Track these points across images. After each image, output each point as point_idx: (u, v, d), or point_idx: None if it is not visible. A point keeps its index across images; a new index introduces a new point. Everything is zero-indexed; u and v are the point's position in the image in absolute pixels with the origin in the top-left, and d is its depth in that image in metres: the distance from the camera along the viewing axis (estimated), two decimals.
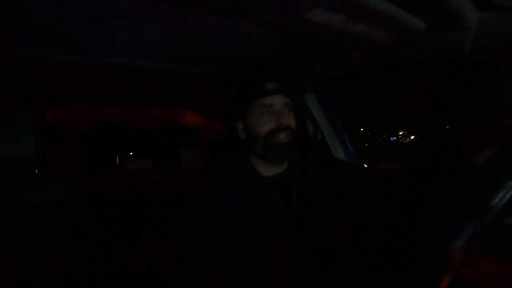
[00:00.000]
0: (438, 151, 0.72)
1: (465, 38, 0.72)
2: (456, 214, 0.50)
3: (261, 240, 0.77)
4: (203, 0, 0.70)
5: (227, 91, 1.02)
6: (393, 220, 0.86)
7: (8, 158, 0.88)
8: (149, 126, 2.61)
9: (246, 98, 0.85)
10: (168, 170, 2.47)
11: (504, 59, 0.75)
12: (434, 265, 0.50)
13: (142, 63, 1.20)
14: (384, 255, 0.86)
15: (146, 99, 2.02)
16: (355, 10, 0.71)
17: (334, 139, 1.33)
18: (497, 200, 0.46)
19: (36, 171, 0.96)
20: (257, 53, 1.17)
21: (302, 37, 1.01)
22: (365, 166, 1.29)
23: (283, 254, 0.76)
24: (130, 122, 2.55)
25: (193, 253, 0.79)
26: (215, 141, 2.47)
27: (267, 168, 0.86)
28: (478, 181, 0.51)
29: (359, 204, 0.89)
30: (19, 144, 0.89)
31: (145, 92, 1.77)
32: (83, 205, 1.01)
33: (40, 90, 1.47)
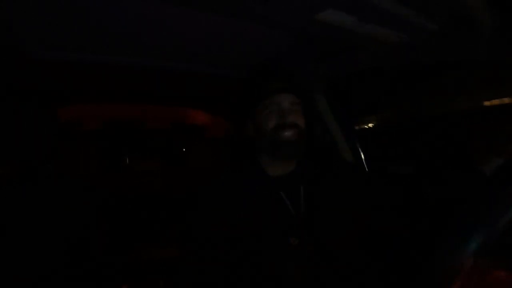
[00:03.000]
0: (444, 158, 0.72)
1: (480, 39, 0.70)
2: (465, 221, 0.49)
3: (268, 240, 0.77)
4: (213, 0, 0.71)
5: (236, 90, 1.02)
6: (401, 224, 0.85)
7: (20, 156, 0.90)
8: (157, 125, 2.63)
9: (254, 97, 0.86)
10: (175, 169, 2.49)
11: None
12: (442, 272, 0.50)
13: (151, 63, 1.21)
14: (391, 259, 0.85)
15: (154, 98, 2.03)
16: (367, 11, 0.70)
17: (342, 140, 1.32)
18: (506, 209, 0.46)
19: (49, 169, 0.97)
20: (266, 52, 1.16)
21: (311, 37, 1.00)
22: (374, 168, 1.28)
23: (289, 255, 0.76)
24: (137, 121, 2.58)
25: (199, 252, 0.79)
26: (222, 140, 2.48)
27: (275, 168, 0.86)
28: (488, 190, 0.50)
29: (367, 207, 0.88)
30: (32, 142, 0.90)
31: (153, 91, 1.78)
32: (92, 203, 1.02)
33: (51, 89, 1.49)
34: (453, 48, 0.80)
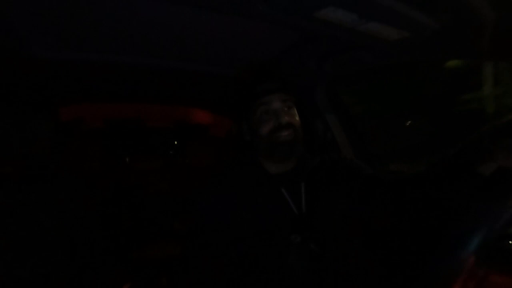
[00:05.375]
0: (444, 159, 0.71)
1: (481, 38, 0.70)
2: (467, 220, 0.49)
3: (269, 237, 0.77)
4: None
5: (234, 91, 1.02)
6: (403, 222, 0.85)
7: (23, 155, 0.90)
8: (159, 123, 2.64)
9: (245, 100, 0.86)
10: (177, 167, 2.49)
11: None
12: (445, 270, 0.50)
13: (153, 62, 1.21)
14: (394, 257, 0.85)
15: (156, 97, 2.04)
16: (368, 9, 0.70)
17: (344, 137, 1.32)
18: (505, 209, 0.46)
19: (51, 168, 0.98)
20: (268, 51, 1.16)
21: (313, 35, 1.00)
22: (375, 166, 1.28)
23: (291, 252, 0.76)
24: (139, 119, 2.59)
25: (202, 249, 0.79)
26: (224, 139, 2.48)
27: (275, 166, 0.86)
28: (487, 191, 0.50)
29: (368, 205, 0.88)
30: (34, 141, 0.91)
31: (156, 90, 1.78)
32: (95, 201, 1.03)
33: (53, 88, 1.50)
34: (455, 46, 0.80)
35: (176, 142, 2.92)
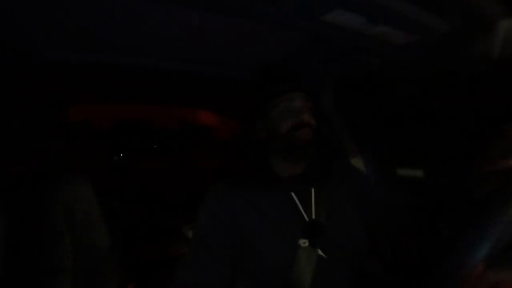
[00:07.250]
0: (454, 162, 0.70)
1: (493, 43, 0.69)
2: (475, 226, 0.49)
3: (278, 241, 0.76)
4: (221, 2, 0.71)
5: (244, 91, 1.02)
6: (412, 228, 0.83)
7: (32, 154, 0.92)
8: (165, 125, 2.65)
9: (267, 96, 0.86)
10: (182, 169, 2.50)
11: None
12: (452, 277, 0.49)
13: (161, 64, 1.22)
14: (402, 263, 0.83)
15: (163, 99, 2.05)
16: (376, 12, 0.70)
17: (350, 143, 1.31)
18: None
19: (60, 167, 0.99)
20: (274, 53, 1.16)
21: (320, 38, 1.00)
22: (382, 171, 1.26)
23: (299, 257, 0.75)
24: (146, 121, 2.60)
25: (207, 252, 0.79)
26: (230, 141, 2.48)
27: (286, 168, 0.86)
28: (493, 199, 0.49)
29: (375, 210, 0.87)
30: (43, 141, 0.92)
31: (162, 92, 1.79)
32: (101, 201, 1.03)
33: (62, 89, 1.52)
34: (466, 51, 0.78)
35: (181, 144, 2.93)
